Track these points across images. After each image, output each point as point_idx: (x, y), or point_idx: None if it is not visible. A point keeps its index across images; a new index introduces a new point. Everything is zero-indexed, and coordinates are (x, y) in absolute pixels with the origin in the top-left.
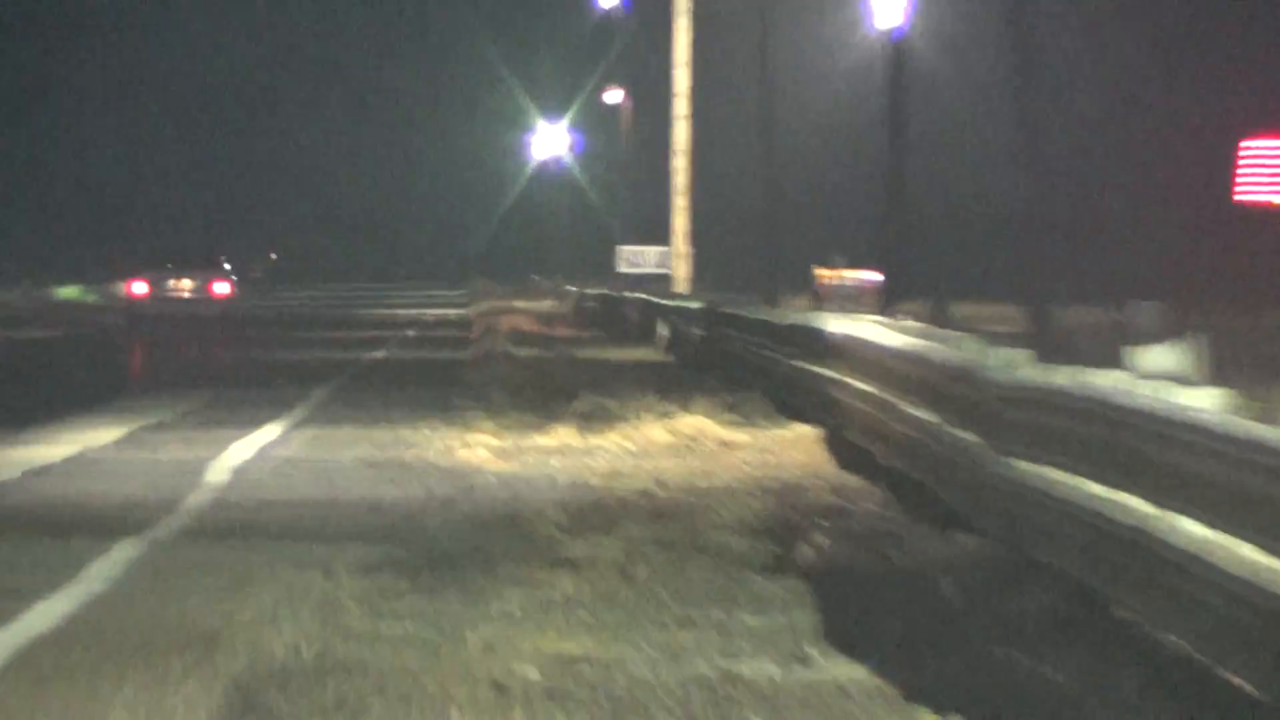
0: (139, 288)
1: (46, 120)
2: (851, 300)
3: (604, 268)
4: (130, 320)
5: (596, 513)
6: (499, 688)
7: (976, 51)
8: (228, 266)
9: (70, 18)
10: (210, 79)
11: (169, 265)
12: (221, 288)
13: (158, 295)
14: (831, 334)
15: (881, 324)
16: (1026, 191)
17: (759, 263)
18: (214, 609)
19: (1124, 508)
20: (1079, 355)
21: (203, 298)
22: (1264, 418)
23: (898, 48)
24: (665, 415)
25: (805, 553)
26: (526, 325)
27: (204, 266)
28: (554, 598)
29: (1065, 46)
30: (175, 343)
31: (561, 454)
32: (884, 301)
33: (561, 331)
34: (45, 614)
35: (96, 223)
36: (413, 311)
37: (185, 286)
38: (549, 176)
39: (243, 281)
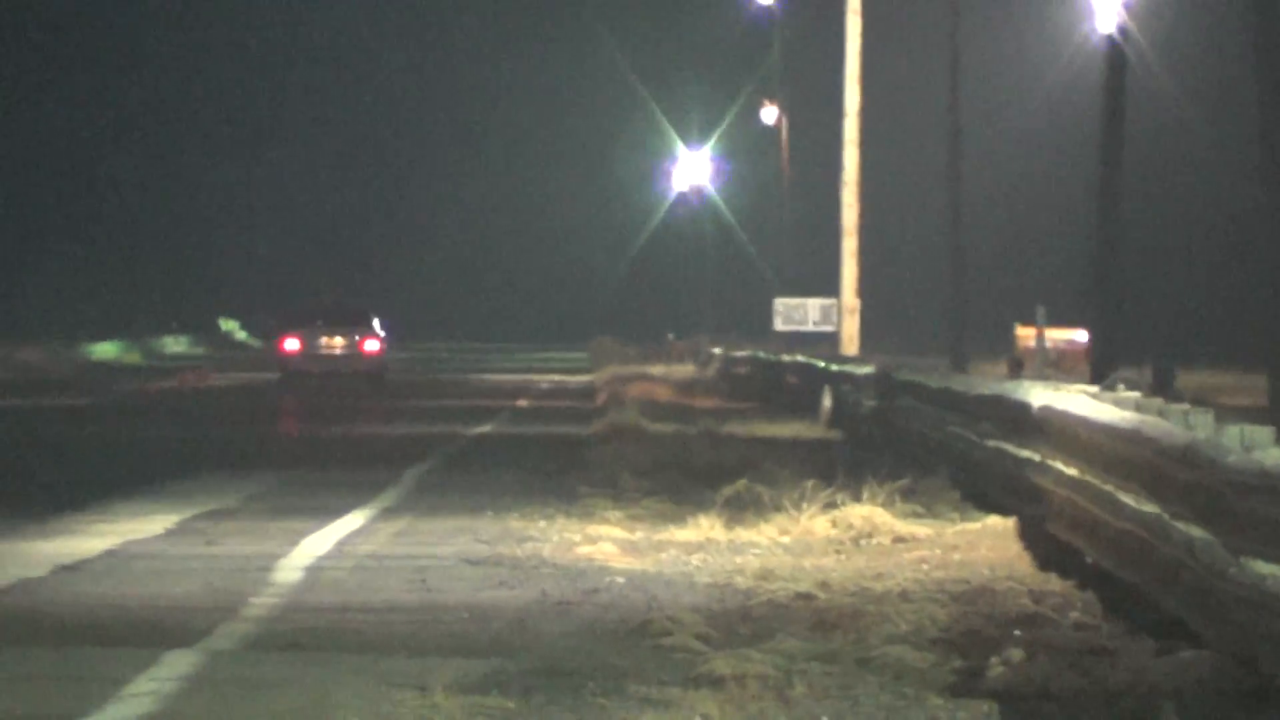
0: (291, 344)
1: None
2: (1052, 365)
3: (754, 325)
4: (283, 378)
5: (745, 621)
6: None
7: (1209, 61)
8: (377, 323)
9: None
10: (279, 111)
11: (320, 322)
12: (372, 345)
13: (309, 352)
14: (1031, 407)
15: (1091, 395)
16: (1272, 231)
17: (942, 318)
18: None
19: None
20: None
21: (353, 354)
22: None
23: (1116, 50)
24: (829, 504)
25: (998, 671)
26: (661, 394)
27: (355, 323)
28: None
29: None
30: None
31: (703, 550)
32: (1094, 367)
33: (703, 402)
34: None
35: (129, 271)
36: (525, 376)
37: (337, 344)
38: (689, 214)
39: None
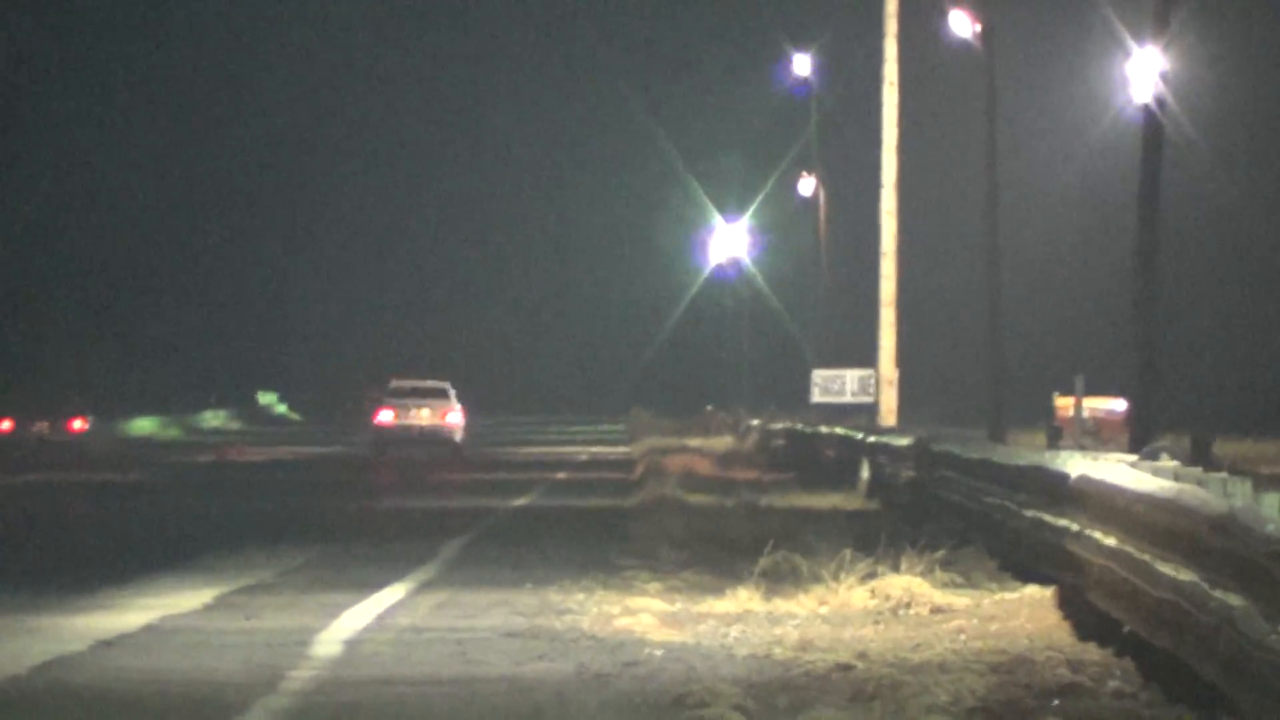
0: (386, 416)
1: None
2: (1090, 435)
3: (791, 396)
4: (376, 444)
5: (784, 692)
6: None
7: (1248, 130)
8: (455, 397)
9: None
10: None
11: (409, 397)
12: (453, 417)
13: (401, 424)
14: (1069, 476)
15: (1129, 464)
16: None
17: (980, 389)
18: None
19: None
20: None
21: (437, 425)
22: None
23: (1153, 120)
24: (867, 574)
25: None
26: (700, 466)
27: (437, 396)
28: None
29: None
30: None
31: (742, 621)
32: (1132, 436)
33: (742, 474)
34: None
35: (168, 346)
36: (563, 449)
37: (424, 416)
38: (726, 286)
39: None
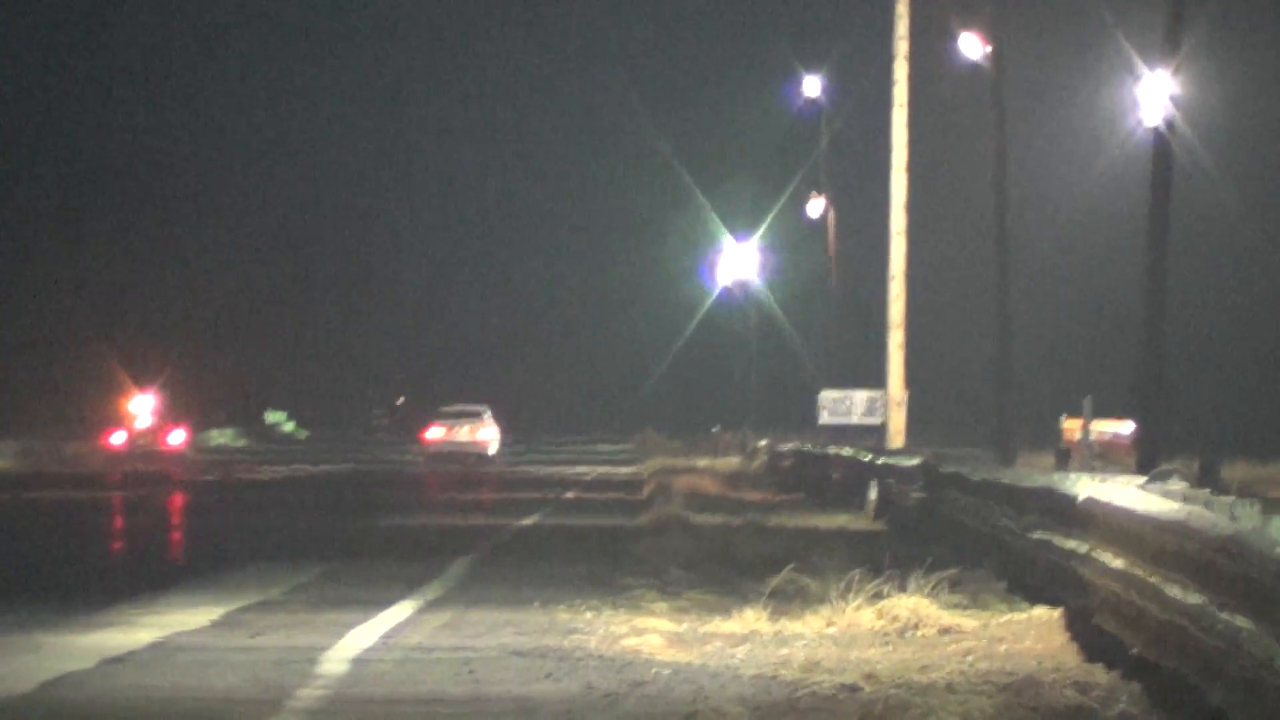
0: (435, 433)
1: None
2: (1099, 457)
3: (799, 418)
4: (427, 457)
5: (791, 713)
6: None
7: (1263, 155)
8: (490, 416)
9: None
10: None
11: (452, 418)
12: (489, 432)
13: (448, 440)
14: (1077, 499)
15: (1137, 486)
16: None
17: (988, 411)
18: None
19: None
20: None
21: (475, 440)
22: None
23: (1163, 144)
24: (875, 595)
25: None
26: (708, 486)
27: (475, 417)
28: None
29: None
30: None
31: (749, 641)
32: (1140, 459)
33: (749, 494)
34: None
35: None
36: (572, 469)
37: (466, 434)
38: (735, 306)
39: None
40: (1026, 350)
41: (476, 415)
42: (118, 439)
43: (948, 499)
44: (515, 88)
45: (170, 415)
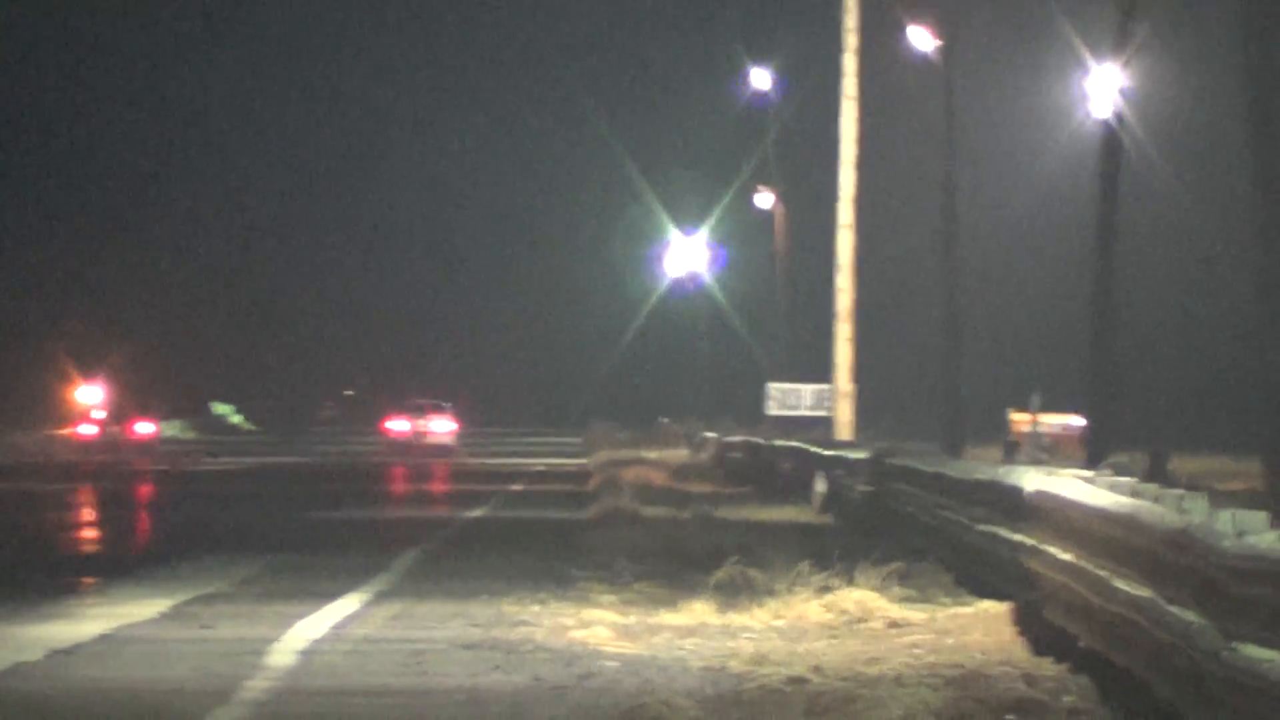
0: (400, 426)
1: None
2: (1048, 451)
3: (748, 410)
4: (390, 448)
5: (737, 705)
6: None
7: (1209, 151)
8: (452, 412)
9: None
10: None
11: (415, 411)
12: (449, 425)
13: (411, 430)
14: (1025, 491)
15: (1085, 479)
16: (1266, 319)
17: (937, 404)
18: None
19: None
20: None
21: (439, 433)
22: None
23: (1111, 135)
24: (822, 588)
25: None
26: (656, 478)
27: (436, 410)
28: None
29: None
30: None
31: (696, 634)
32: (1088, 452)
33: (697, 486)
34: None
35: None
36: (519, 460)
37: (426, 427)
38: (684, 300)
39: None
40: (975, 343)
41: (438, 408)
42: (87, 430)
43: (895, 492)
44: (462, 79)
45: (134, 407)
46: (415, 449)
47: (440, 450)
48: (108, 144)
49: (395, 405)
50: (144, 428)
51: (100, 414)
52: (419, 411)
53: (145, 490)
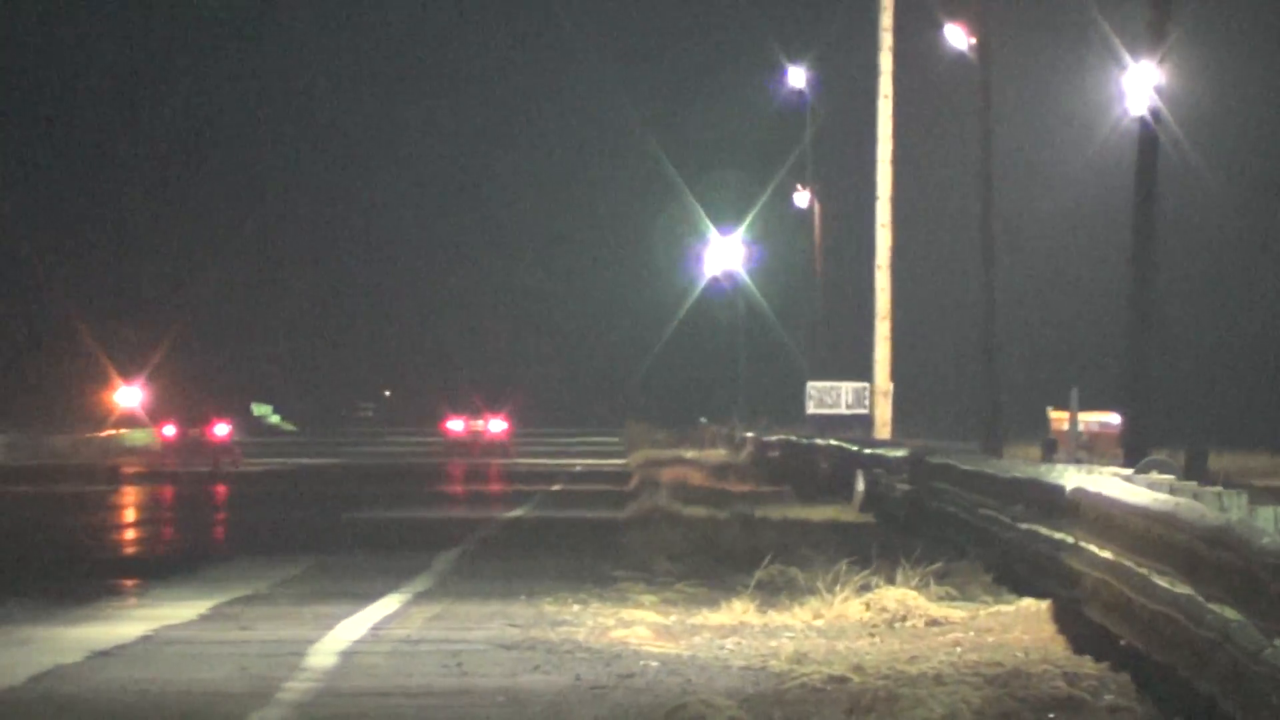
0: (456, 425)
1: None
2: (1086, 448)
3: (787, 409)
4: (447, 446)
5: (779, 705)
6: None
7: (1246, 146)
8: (506, 411)
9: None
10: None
11: (472, 411)
12: (502, 425)
13: (466, 429)
14: (1065, 490)
15: (1124, 478)
16: None
17: (976, 402)
18: None
19: None
20: None
21: (494, 432)
22: None
23: (1148, 133)
24: (862, 587)
25: None
26: (695, 478)
27: (490, 409)
28: None
29: None
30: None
31: (737, 633)
32: (1126, 450)
33: (737, 486)
34: None
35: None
36: (559, 460)
37: (481, 426)
38: (721, 299)
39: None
40: (1014, 341)
41: (494, 409)
42: (168, 431)
43: (935, 490)
44: (503, 83)
45: (213, 408)
46: (474, 447)
47: (496, 449)
48: (145, 144)
49: (452, 407)
50: (220, 429)
51: (172, 417)
52: (475, 412)
53: (222, 491)
